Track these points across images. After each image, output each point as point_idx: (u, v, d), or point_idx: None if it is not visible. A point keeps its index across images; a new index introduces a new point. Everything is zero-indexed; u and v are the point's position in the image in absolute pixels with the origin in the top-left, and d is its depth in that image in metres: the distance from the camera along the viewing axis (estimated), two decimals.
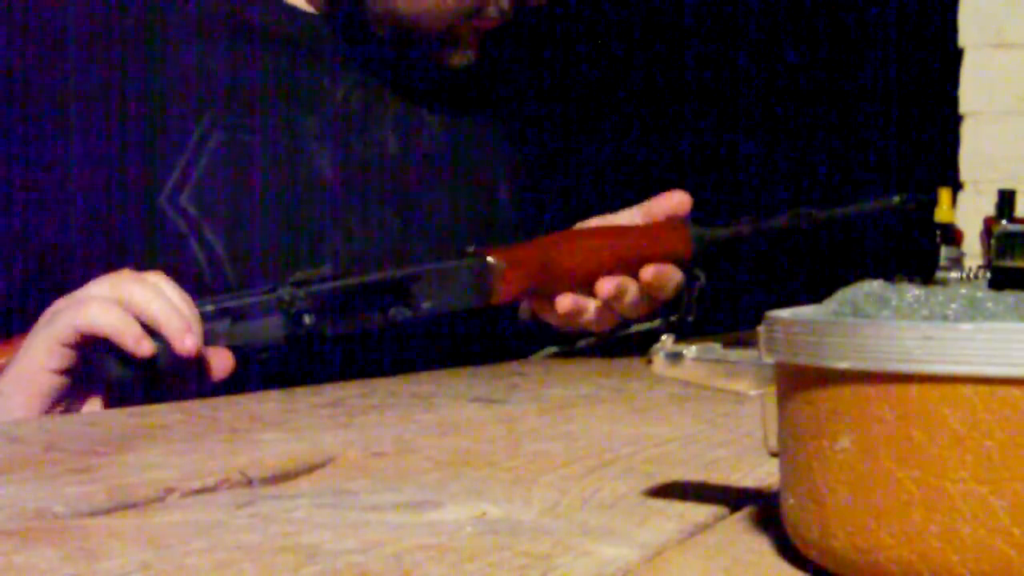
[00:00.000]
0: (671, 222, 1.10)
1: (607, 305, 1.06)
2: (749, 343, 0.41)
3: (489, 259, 1.04)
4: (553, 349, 1.16)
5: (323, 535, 0.42)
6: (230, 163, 1.01)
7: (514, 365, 1.11)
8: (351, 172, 1.05)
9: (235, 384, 0.91)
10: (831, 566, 0.37)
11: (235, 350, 0.92)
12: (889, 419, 0.35)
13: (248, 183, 1.02)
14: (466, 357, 1.10)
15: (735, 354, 0.42)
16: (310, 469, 0.55)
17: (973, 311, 0.37)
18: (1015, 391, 0.33)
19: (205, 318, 0.91)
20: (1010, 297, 0.37)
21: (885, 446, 0.35)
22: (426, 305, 1.01)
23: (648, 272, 1.06)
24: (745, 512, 0.46)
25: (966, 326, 0.34)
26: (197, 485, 0.50)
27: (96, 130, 0.99)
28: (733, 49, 3.08)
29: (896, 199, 1.12)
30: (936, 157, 2.37)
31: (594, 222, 1.11)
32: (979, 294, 0.37)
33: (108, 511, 0.46)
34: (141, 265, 0.92)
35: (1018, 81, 2.18)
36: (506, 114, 1.19)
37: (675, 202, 1.10)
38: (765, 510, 0.46)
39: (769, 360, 0.40)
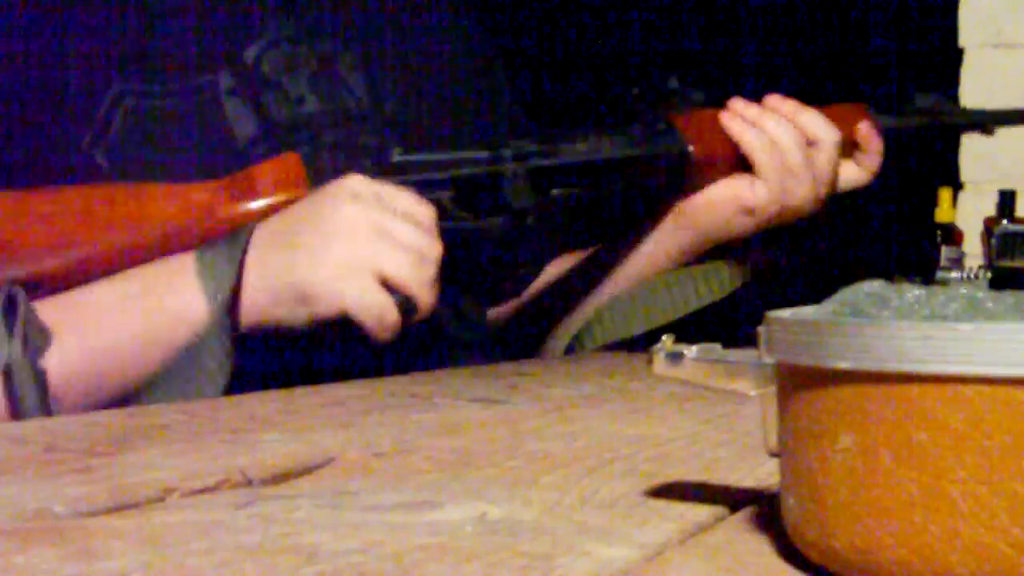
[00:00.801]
0: (851, 104, 1.10)
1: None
2: (749, 343, 0.41)
3: (688, 148, 1.05)
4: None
5: (323, 535, 0.42)
6: (144, 125, 1.02)
7: (514, 365, 1.11)
8: (270, 129, 1.06)
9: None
10: (831, 566, 0.37)
11: (451, 215, 0.96)
12: (889, 419, 0.35)
13: (163, 143, 1.02)
14: (467, 357, 1.10)
15: (735, 354, 0.42)
16: (310, 469, 0.55)
17: (973, 311, 0.37)
18: (1015, 391, 0.33)
19: (434, 185, 0.95)
20: (1010, 297, 0.37)
21: (885, 446, 0.35)
22: (624, 153, 1.03)
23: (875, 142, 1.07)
24: (745, 512, 0.46)
25: (966, 326, 0.34)
26: (197, 485, 0.50)
27: (12, 87, 1.00)
28: (731, 43, 3.08)
29: None
30: (936, 157, 2.36)
31: None
32: (979, 294, 0.37)
33: (108, 511, 0.46)
34: None
35: (1018, 81, 2.17)
36: (428, 65, 1.19)
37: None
38: (765, 510, 0.46)
39: (769, 360, 0.40)
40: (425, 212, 0.93)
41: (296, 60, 1.08)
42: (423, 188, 0.96)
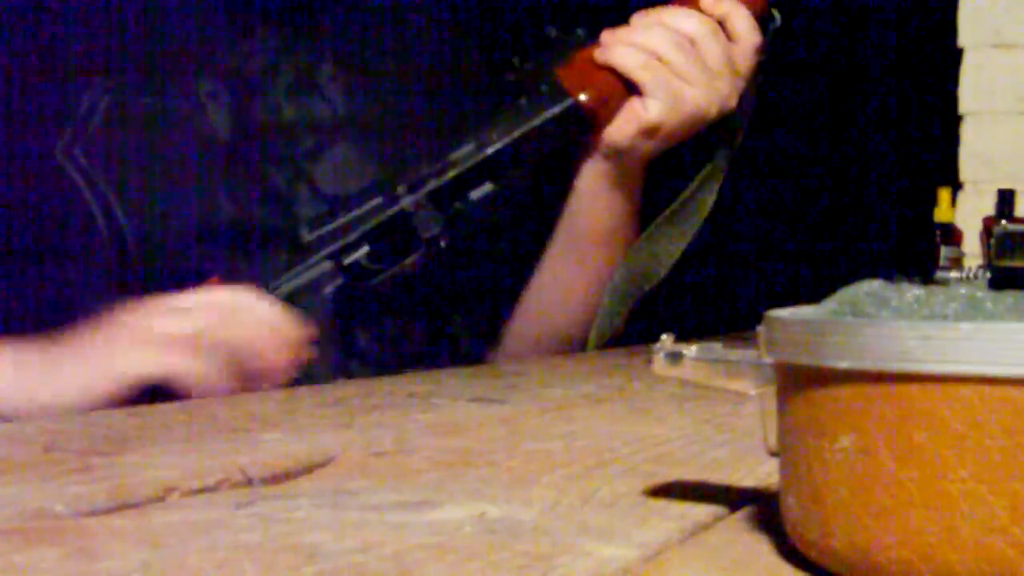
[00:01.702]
0: None
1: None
2: (749, 343, 0.41)
3: (579, 98, 1.03)
4: None
5: (323, 535, 0.42)
6: (122, 123, 1.02)
7: (514, 365, 1.11)
8: (246, 134, 1.06)
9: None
10: (831, 566, 0.37)
11: (371, 272, 0.97)
12: (889, 419, 0.35)
13: (141, 141, 1.03)
14: (466, 357, 1.10)
15: (735, 354, 0.42)
16: (310, 469, 0.55)
17: (973, 311, 0.37)
18: (1015, 391, 0.33)
19: (347, 250, 0.97)
20: (1010, 297, 0.37)
21: (885, 446, 0.35)
22: (516, 133, 1.02)
23: (719, 5, 1.04)
24: (745, 512, 0.46)
25: (966, 326, 0.34)
26: (197, 485, 0.50)
27: None
28: None
29: None
30: (936, 157, 2.36)
31: None
32: (979, 294, 0.37)
33: (108, 511, 0.46)
34: (41, 214, 0.96)
35: (1018, 81, 2.17)
36: (416, 78, 1.18)
37: None
38: (765, 510, 0.46)
39: (769, 360, 0.40)
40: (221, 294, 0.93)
41: (276, 69, 1.08)
42: (339, 256, 0.97)
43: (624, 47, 1.03)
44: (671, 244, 1.12)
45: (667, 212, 1.11)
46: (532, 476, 0.53)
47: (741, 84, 1.06)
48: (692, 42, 1.03)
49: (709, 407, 0.74)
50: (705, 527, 0.44)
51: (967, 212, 2.25)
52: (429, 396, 0.85)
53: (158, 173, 1.03)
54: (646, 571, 0.39)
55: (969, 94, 2.19)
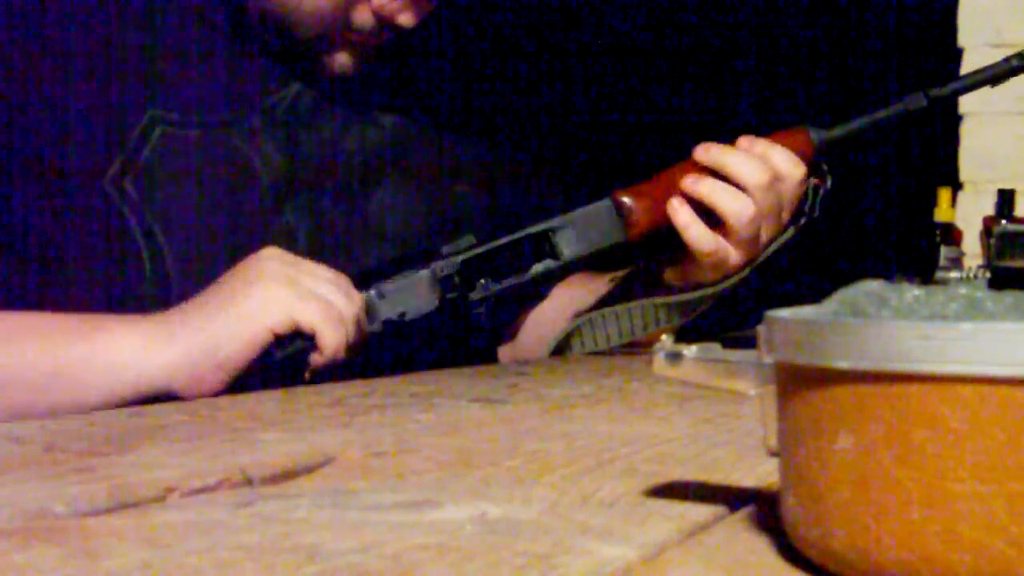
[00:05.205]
0: (788, 129, 1.11)
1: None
2: (749, 343, 0.41)
3: (623, 198, 1.07)
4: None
5: (323, 535, 0.42)
6: (172, 155, 1.02)
7: (514, 365, 1.11)
8: (298, 168, 1.06)
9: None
10: (831, 566, 0.37)
11: (388, 322, 1.00)
12: (889, 419, 0.35)
13: (190, 174, 1.02)
14: (466, 357, 1.10)
15: (735, 354, 0.42)
16: (310, 469, 0.55)
17: (973, 311, 0.37)
18: (1015, 391, 0.33)
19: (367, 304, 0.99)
20: (1009, 297, 0.37)
21: (885, 446, 0.35)
22: (568, 253, 1.05)
23: (777, 158, 1.07)
24: (745, 512, 0.46)
25: (966, 326, 0.34)
26: (197, 485, 0.50)
27: (45, 108, 1.00)
28: (726, 47, 3.08)
29: (1010, 61, 1.15)
30: (936, 157, 2.36)
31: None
32: (979, 294, 0.37)
33: (108, 511, 0.46)
34: (86, 245, 0.96)
35: (1018, 81, 2.17)
36: (465, 112, 1.19)
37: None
38: (765, 510, 0.46)
39: (769, 360, 0.40)
40: (340, 277, 0.95)
41: (332, 99, 1.08)
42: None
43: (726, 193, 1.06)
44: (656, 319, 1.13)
45: (669, 300, 1.12)
46: (532, 476, 0.53)
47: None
48: (780, 180, 1.07)
49: (709, 407, 0.74)
50: (705, 527, 0.44)
51: (967, 212, 2.25)
52: (430, 396, 0.85)
53: (207, 206, 1.02)
54: (646, 571, 0.39)
55: (969, 94, 2.19)
